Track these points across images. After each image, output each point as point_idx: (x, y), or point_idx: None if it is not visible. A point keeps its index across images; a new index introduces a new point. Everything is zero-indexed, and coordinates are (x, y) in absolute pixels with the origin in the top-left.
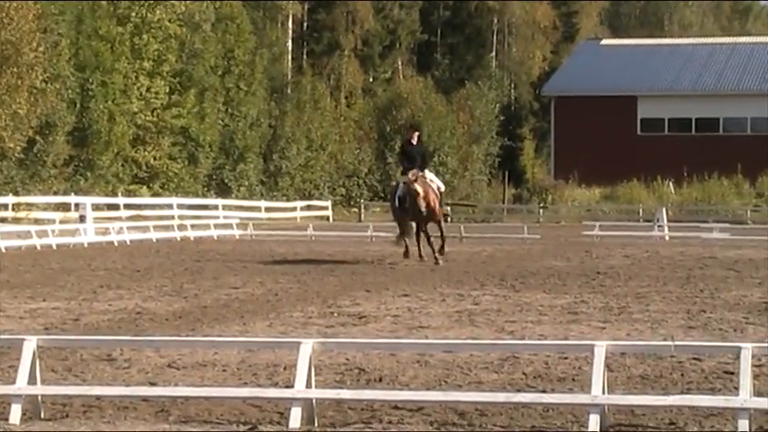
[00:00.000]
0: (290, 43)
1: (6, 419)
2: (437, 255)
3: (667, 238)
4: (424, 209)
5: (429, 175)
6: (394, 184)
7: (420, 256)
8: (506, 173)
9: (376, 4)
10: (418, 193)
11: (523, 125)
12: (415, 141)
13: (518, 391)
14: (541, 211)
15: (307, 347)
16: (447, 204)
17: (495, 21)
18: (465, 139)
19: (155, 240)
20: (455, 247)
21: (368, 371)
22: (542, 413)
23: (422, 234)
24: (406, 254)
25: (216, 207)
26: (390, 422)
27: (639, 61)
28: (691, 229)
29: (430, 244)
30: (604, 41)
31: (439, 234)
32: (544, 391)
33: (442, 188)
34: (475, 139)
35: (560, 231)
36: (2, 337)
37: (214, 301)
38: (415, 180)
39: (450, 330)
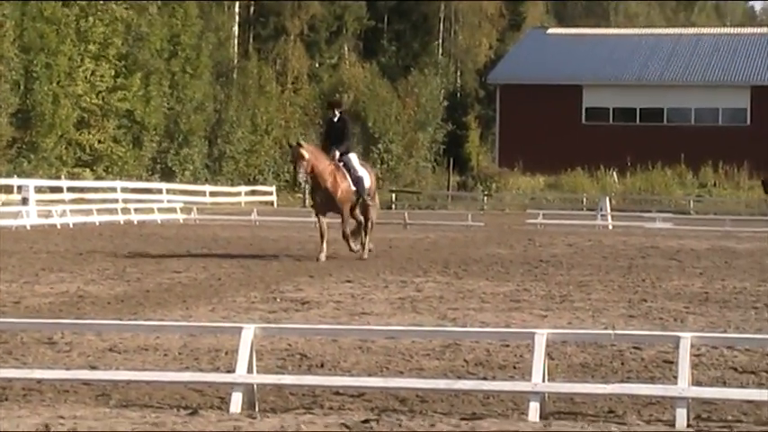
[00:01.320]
0: (236, 27)
1: None
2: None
3: (610, 227)
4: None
5: (354, 161)
6: None
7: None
8: (451, 160)
9: None
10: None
11: (469, 112)
12: (336, 119)
13: (459, 378)
14: (486, 198)
15: (249, 333)
16: (393, 191)
17: (442, 8)
18: (410, 126)
19: (98, 224)
20: (399, 234)
21: (310, 356)
22: (483, 400)
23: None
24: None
25: (160, 191)
26: (331, 408)
27: (585, 51)
28: (633, 218)
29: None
30: (551, 30)
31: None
32: (485, 379)
33: (366, 180)
34: (420, 125)
35: (504, 219)
36: None
37: (156, 286)
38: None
39: (393, 317)
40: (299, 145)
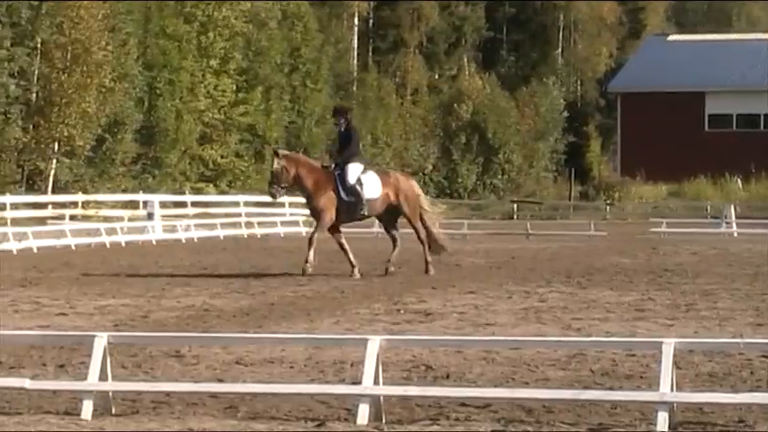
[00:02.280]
0: (355, 40)
1: (78, 415)
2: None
3: (735, 234)
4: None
5: (351, 170)
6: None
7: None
8: (572, 170)
9: (441, 1)
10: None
11: (589, 122)
12: (343, 128)
13: (585, 388)
14: (608, 207)
15: (374, 344)
16: (514, 201)
17: (561, 17)
18: (530, 136)
19: (221, 238)
20: (521, 244)
21: (434, 368)
22: (610, 410)
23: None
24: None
25: (282, 204)
26: (457, 419)
27: (707, 57)
28: (759, 225)
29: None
30: (671, 37)
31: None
32: (611, 389)
33: (369, 191)
34: (540, 135)
35: (627, 228)
36: (73, 333)
37: (281, 299)
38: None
39: (517, 327)
40: (276, 153)
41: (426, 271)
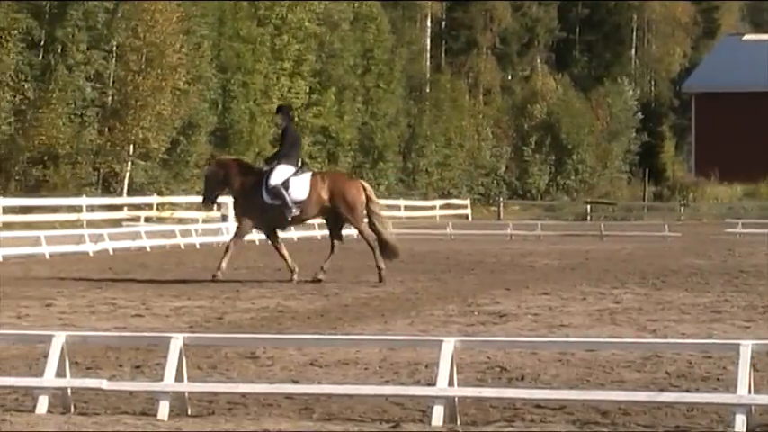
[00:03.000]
0: (428, 42)
1: (154, 416)
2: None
3: None
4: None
5: (276, 173)
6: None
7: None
8: (646, 170)
9: (514, 2)
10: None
11: (663, 122)
12: (282, 125)
13: (661, 390)
14: (682, 208)
15: (449, 346)
16: (587, 202)
17: (635, 17)
18: (603, 137)
19: (295, 239)
20: (595, 245)
21: (509, 369)
22: (686, 413)
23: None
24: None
25: None
26: (532, 420)
27: None
28: None
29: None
30: (746, 37)
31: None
32: (688, 391)
33: (295, 193)
34: (613, 136)
35: (702, 229)
36: (149, 334)
37: (354, 300)
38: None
39: (592, 329)
40: (208, 162)
41: (380, 279)
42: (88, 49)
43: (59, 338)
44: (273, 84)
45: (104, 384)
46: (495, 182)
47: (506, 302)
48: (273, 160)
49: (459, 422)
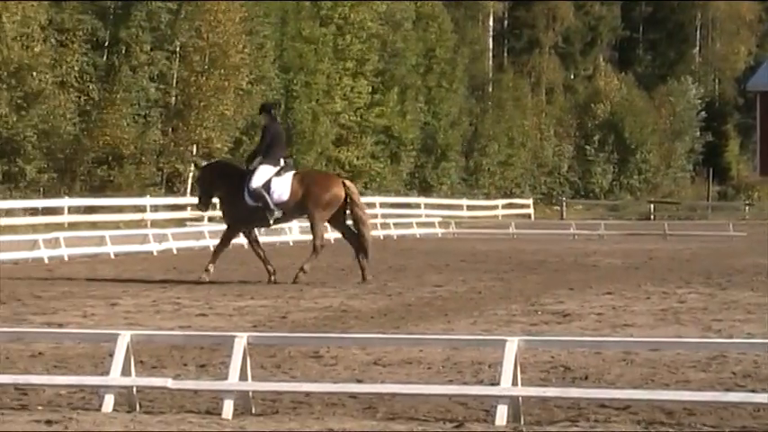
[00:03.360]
0: (490, 41)
1: (219, 414)
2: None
3: None
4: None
5: (257, 174)
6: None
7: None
8: (710, 170)
9: (576, 1)
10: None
11: (728, 121)
12: (263, 124)
13: (727, 390)
14: (747, 208)
15: (512, 345)
16: (651, 201)
17: (698, 15)
18: (667, 136)
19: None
20: (658, 245)
21: (573, 369)
22: (753, 413)
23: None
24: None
25: (418, 206)
26: (597, 421)
27: None
28: None
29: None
30: None
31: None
32: (754, 391)
33: (276, 193)
34: (677, 135)
35: (767, 229)
36: (213, 334)
37: (417, 299)
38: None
39: (656, 329)
40: (197, 165)
41: (363, 278)
42: (152, 49)
43: (125, 338)
44: (336, 84)
45: (170, 383)
46: (557, 181)
47: (570, 302)
48: (252, 159)
49: (522, 422)
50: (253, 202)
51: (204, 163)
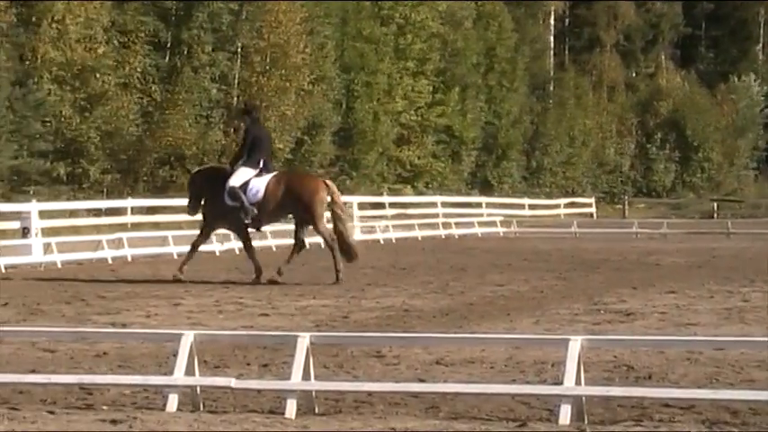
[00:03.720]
0: (551, 39)
1: (282, 414)
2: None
3: None
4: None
5: (235, 175)
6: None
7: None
8: None
9: None
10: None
11: None
12: (244, 127)
13: None
14: None
15: (575, 344)
16: (714, 199)
17: (761, 12)
18: (729, 134)
19: (419, 238)
20: (722, 243)
21: (636, 368)
22: None
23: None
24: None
25: (479, 205)
26: (661, 420)
27: None
28: None
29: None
30: None
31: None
32: None
33: (254, 193)
34: (740, 133)
35: None
36: (276, 333)
37: (480, 299)
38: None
39: (720, 327)
40: (189, 171)
41: (336, 280)
42: (213, 50)
43: (188, 337)
44: (397, 83)
45: (233, 383)
46: (619, 180)
47: (633, 301)
48: (235, 162)
49: (586, 421)
50: (231, 201)
51: (196, 169)
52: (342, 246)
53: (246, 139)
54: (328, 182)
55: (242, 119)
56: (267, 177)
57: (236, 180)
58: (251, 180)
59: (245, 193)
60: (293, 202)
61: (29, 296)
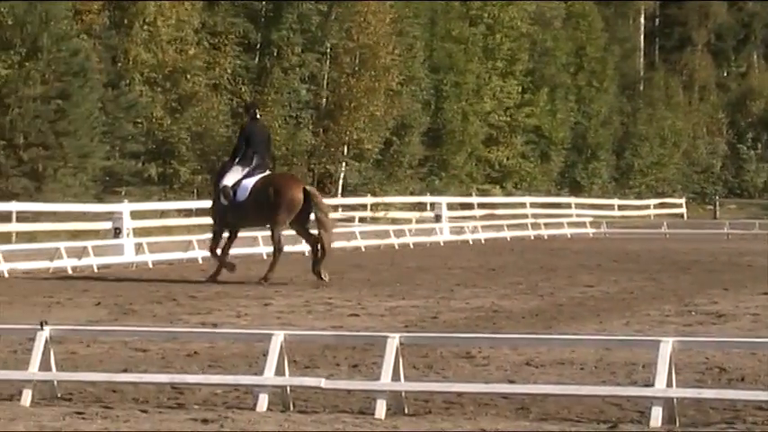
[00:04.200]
0: (641, 39)
1: (372, 414)
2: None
3: None
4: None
5: (226, 174)
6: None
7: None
8: None
9: None
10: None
11: None
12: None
13: None
14: None
15: (666, 346)
16: None
17: None
18: None
19: (508, 239)
20: None
21: (728, 370)
22: None
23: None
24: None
25: (568, 205)
26: (754, 423)
27: None
28: None
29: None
30: None
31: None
32: None
33: (238, 193)
34: None
35: None
36: (366, 334)
37: (569, 300)
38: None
39: None
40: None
41: (320, 277)
42: (303, 51)
43: (278, 337)
44: (485, 83)
45: (323, 383)
46: (710, 180)
47: (724, 302)
48: (232, 160)
49: (677, 424)
50: (224, 200)
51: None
52: (322, 251)
53: (242, 135)
54: (309, 187)
55: (245, 116)
56: (256, 178)
57: (228, 179)
58: (242, 180)
59: (235, 193)
60: (268, 202)
61: (121, 296)
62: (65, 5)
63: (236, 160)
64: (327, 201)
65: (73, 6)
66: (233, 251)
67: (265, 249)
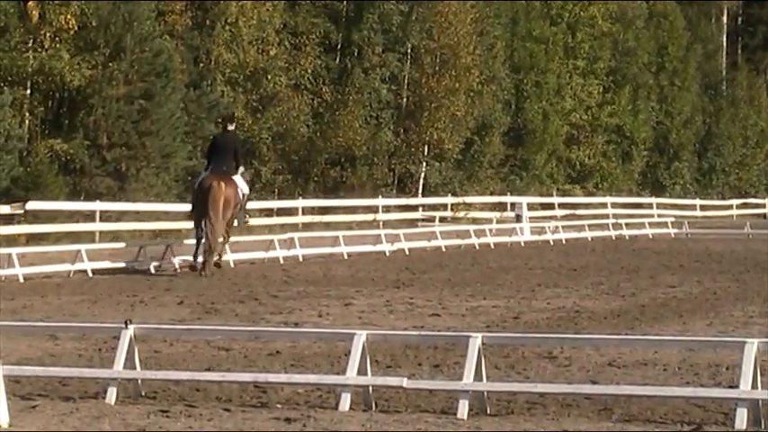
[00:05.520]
0: (724, 39)
1: (454, 414)
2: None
3: None
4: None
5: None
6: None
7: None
8: None
9: None
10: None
11: None
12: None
13: None
14: None
15: (752, 347)
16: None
17: None
18: None
19: (590, 239)
20: None
21: None
22: None
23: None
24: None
25: (650, 206)
26: None
27: None
28: None
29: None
30: None
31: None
32: None
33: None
34: None
35: None
36: (448, 333)
37: (651, 300)
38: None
39: None
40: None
41: (202, 271)
42: (384, 51)
43: (361, 337)
44: (566, 83)
45: (405, 383)
46: None
47: None
48: (207, 167)
49: (763, 426)
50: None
51: None
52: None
53: (210, 146)
54: (222, 184)
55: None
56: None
57: (198, 181)
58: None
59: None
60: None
61: (203, 295)
62: (148, 6)
63: (209, 169)
64: (405, 201)
65: (156, 7)
66: (317, 250)
67: (347, 249)
